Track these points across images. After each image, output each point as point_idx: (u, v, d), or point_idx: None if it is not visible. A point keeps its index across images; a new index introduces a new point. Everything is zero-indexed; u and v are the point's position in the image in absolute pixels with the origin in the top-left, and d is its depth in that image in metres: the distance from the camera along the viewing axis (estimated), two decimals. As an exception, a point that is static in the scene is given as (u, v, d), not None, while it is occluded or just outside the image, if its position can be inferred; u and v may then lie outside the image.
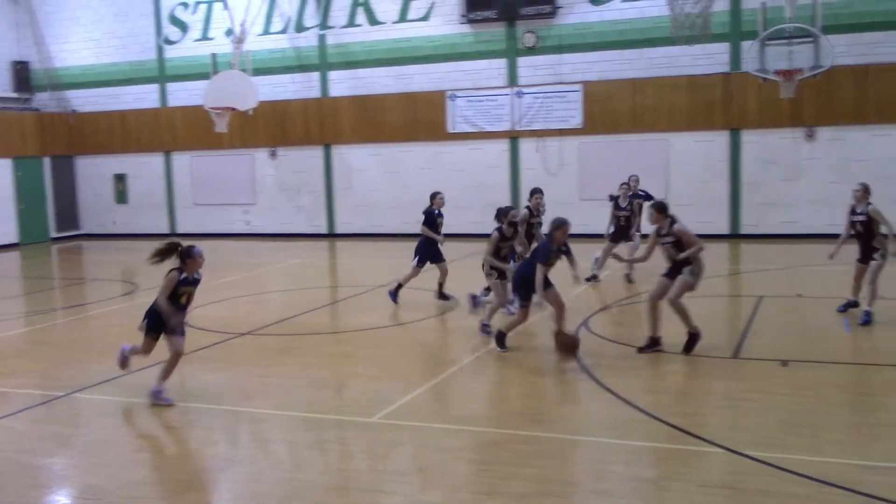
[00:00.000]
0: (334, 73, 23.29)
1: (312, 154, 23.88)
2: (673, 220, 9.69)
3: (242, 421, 7.95)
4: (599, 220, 20.78)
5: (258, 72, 22.80)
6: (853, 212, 11.16)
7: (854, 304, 11.42)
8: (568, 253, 9.97)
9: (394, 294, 13.23)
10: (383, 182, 23.04)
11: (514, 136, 21.70)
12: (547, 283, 9.81)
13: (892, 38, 18.70)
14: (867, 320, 10.78)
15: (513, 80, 21.58)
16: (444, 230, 13.20)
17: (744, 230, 19.93)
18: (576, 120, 21.05)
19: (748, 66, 18.36)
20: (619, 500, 6.05)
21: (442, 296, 13.18)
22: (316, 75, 23.48)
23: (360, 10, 22.81)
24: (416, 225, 13.57)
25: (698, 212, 20.12)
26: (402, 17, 22.37)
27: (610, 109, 20.71)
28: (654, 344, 9.83)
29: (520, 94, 21.46)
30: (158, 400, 8.32)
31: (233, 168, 24.75)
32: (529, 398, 8.69)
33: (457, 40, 21.92)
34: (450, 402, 8.64)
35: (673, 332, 9.83)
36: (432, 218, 13.10)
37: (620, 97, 20.60)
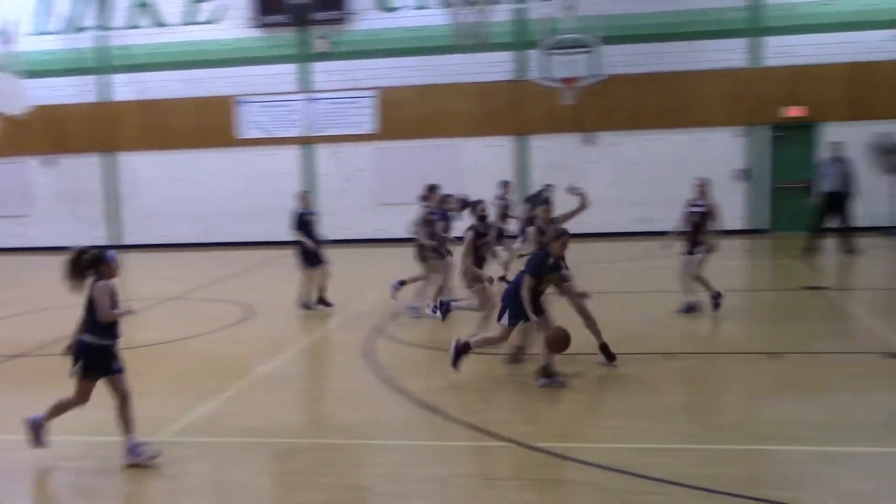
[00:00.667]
0: (117, 76, 22.15)
1: (92, 161, 22.58)
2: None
3: (17, 449, 7.34)
4: (396, 225, 21.12)
5: (32, 74, 21.32)
6: (692, 204, 11.64)
7: (719, 295, 11.57)
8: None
9: (305, 306, 12.85)
10: (171, 190, 22.15)
11: (307, 142, 21.50)
12: (522, 313, 8.44)
13: (664, 49, 20.10)
14: (689, 309, 11.53)
15: (306, 85, 21.39)
16: (241, 237, 12.83)
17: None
18: (370, 126, 21.15)
19: (532, 74, 19.15)
20: (410, 501, 6.10)
21: (322, 301, 12.81)
22: (96, 79, 22.23)
23: (143, 12, 21.82)
24: (209, 234, 13.12)
25: (491, 216, 20.78)
26: (189, 20, 21.63)
27: (404, 115, 20.97)
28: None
29: (312, 100, 21.29)
30: (138, 456, 6.76)
31: (2, 177, 22.95)
32: (326, 405, 8.61)
33: (248, 44, 21.45)
34: (244, 414, 8.39)
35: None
36: (301, 219, 12.74)
37: (413, 103, 20.90)
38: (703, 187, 11.59)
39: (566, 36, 18.64)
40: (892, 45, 16.20)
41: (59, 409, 6.92)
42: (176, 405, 8.36)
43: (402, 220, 21.54)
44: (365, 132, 21.16)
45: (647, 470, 6.38)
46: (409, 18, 20.73)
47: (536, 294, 8.51)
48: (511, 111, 20.73)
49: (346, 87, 21.12)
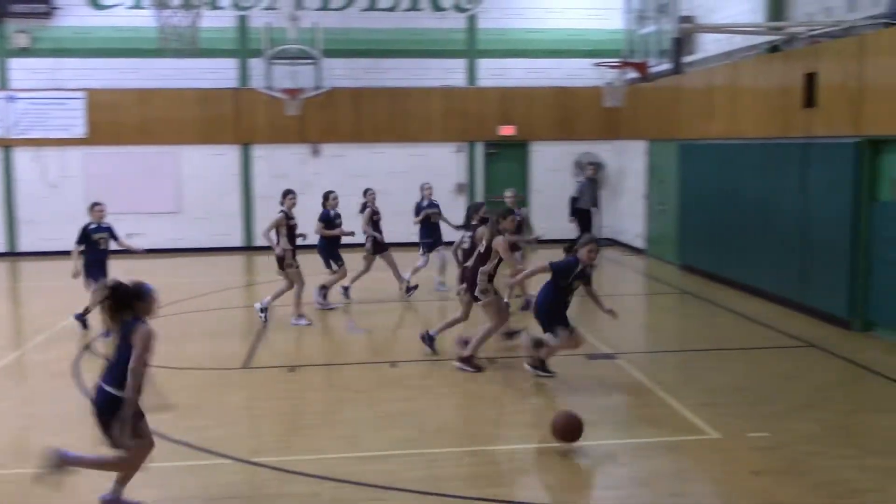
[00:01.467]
0: None
1: None
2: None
3: None
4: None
5: None
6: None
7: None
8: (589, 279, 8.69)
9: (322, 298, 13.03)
10: None
11: (6, 145, 19.68)
12: (564, 319, 8.58)
13: (381, 64, 20.56)
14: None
15: (3, 82, 19.58)
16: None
17: (257, 242, 20.35)
18: (78, 129, 19.74)
19: (256, 83, 18.85)
20: (125, 528, 5.74)
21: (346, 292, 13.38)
22: None
23: None
24: None
25: (214, 225, 20.21)
26: None
27: (116, 120, 19.77)
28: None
29: (12, 99, 19.52)
30: None
31: None
32: (28, 430, 7.88)
33: (-67, 34, 19.26)
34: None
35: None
36: (328, 219, 13.05)
37: (127, 107, 19.79)
38: (514, 198, 12.88)
39: (290, 46, 18.54)
40: (591, 72, 17.66)
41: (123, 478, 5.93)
42: None
43: (116, 229, 20.28)
44: (73, 136, 19.72)
45: (367, 478, 6.46)
46: (124, 18, 19.61)
47: (564, 304, 8.60)
48: (234, 119, 20.25)
49: (51, 87, 19.57)
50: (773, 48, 13.81)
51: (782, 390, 8.72)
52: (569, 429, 6.86)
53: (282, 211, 12.17)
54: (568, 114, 20.97)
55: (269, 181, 20.21)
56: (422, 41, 20.69)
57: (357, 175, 20.40)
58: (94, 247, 11.60)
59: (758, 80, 13.71)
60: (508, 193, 13.42)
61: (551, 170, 20.67)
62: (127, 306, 5.64)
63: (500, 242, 9.15)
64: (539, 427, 7.61)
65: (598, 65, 15.87)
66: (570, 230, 18.17)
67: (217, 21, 19.42)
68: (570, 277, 8.41)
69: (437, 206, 14.39)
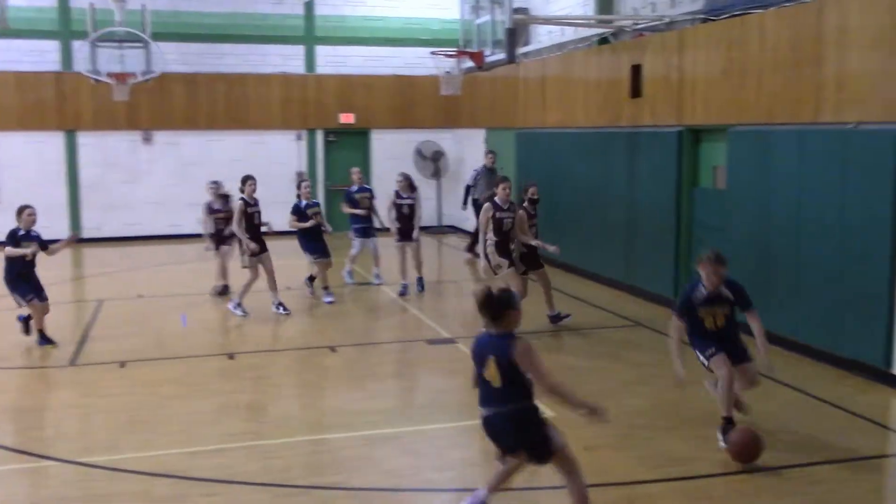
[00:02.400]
0: None
1: None
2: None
3: None
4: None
5: None
6: (399, 196, 12.86)
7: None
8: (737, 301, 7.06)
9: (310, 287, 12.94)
10: None
11: None
12: (715, 345, 6.87)
13: (215, 49, 19.96)
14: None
15: None
16: None
17: (86, 234, 19.37)
18: None
19: (80, 67, 17.89)
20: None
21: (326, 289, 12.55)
22: None
23: None
24: None
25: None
26: None
27: (-76, 103, 18.30)
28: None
29: None
30: None
31: None
32: None
33: None
34: None
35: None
36: (300, 211, 12.46)
37: (-64, 90, 18.35)
38: (406, 183, 13.04)
39: (117, 28, 17.67)
40: (429, 61, 17.81)
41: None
42: None
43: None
44: None
45: (198, 472, 6.28)
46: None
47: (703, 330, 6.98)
48: (58, 105, 19.13)
49: None
50: (603, 40, 14.35)
51: (613, 368, 9.11)
52: (746, 450, 6.39)
53: (241, 198, 11.58)
54: (407, 102, 21.06)
55: (97, 170, 19.26)
56: (259, 27, 20.24)
57: (192, 163, 19.77)
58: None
59: (588, 71, 14.21)
60: (354, 171, 14.03)
61: (392, 158, 20.67)
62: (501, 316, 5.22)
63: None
64: (377, 413, 7.63)
65: (434, 53, 15.97)
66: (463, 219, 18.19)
67: (36, 0, 18.30)
68: (695, 305, 6.99)
69: (369, 190, 13.89)
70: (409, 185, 13.03)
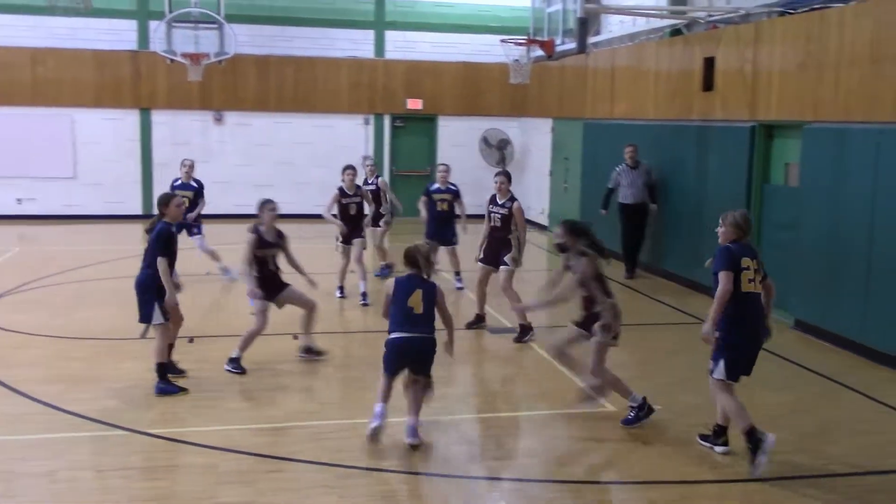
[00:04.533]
0: None
1: None
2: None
3: None
4: (3, 203, 19.07)
5: None
6: (494, 202, 10.15)
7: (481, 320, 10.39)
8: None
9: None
10: None
11: None
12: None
13: (287, 32, 20.19)
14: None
15: None
16: None
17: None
18: (-33, 88, 18.79)
19: (156, 46, 18.26)
20: (18, 500, 5.57)
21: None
22: None
23: None
24: None
25: (109, 191, 19.57)
26: None
27: (6, 79, 18.87)
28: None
29: None
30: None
31: None
32: None
33: None
34: None
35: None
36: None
37: (18, 66, 18.89)
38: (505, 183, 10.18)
39: (192, 10, 17.99)
40: (498, 49, 17.75)
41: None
42: None
43: (5, 195, 19.59)
44: (-40, 95, 18.77)
45: (262, 449, 6.42)
46: (16, -28, 18.72)
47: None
48: (133, 83, 19.58)
49: (-64, 42, 18.57)
50: (675, 32, 14.14)
51: (671, 364, 9.03)
52: None
53: (339, 187, 11.69)
54: (475, 89, 21.04)
55: (169, 148, 19.66)
56: (330, 11, 20.39)
57: (261, 144, 20.10)
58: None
59: (659, 63, 14.02)
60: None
61: (458, 145, 20.70)
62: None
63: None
64: (436, 399, 7.69)
65: (504, 41, 15.93)
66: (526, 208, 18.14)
67: (114, -20, 18.74)
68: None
69: (452, 191, 12.32)
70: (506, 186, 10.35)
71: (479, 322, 10.35)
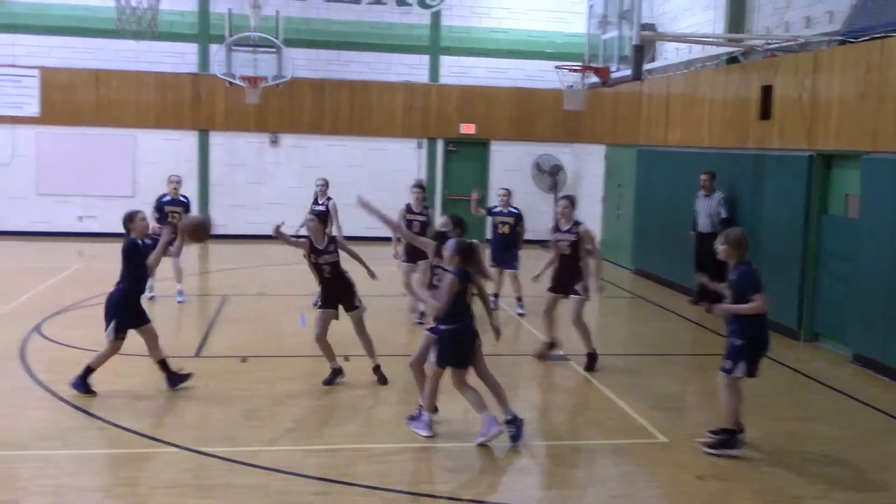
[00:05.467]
0: None
1: None
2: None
3: None
4: (59, 218, 19.56)
5: None
6: (557, 229, 9.81)
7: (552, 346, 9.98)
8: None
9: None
10: None
11: (-45, 121, 19.23)
12: None
13: (343, 56, 20.45)
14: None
15: (-45, 57, 19.12)
16: None
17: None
18: (32, 108, 19.34)
19: (216, 69, 18.63)
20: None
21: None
22: None
23: None
24: None
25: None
26: None
27: (71, 99, 19.42)
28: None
29: (-37, 74, 19.07)
30: None
31: None
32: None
33: None
34: None
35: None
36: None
37: (83, 87, 19.43)
38: (569, 207, 9.81)
39: (251, 34, 18.35)
40: (552, 75, 17.77)
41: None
42: None
43: (67, 212, 20.06)
44: (27, 114, 19.32)
45: (311, 470, 6.45)
46: (82, -4, 19.28)
47: None
48: (193, 105, 20.01)
49: (4, 64, 19.14)
50: (732, 59, 14.03)
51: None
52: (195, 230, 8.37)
53: (407, 204, 11.86)
54: (527, 115, 21.07)
55: (226, 169, 20.00)
56: (385, 35, 20.61)
57: (314, 167, 20.31)
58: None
59: (715, 91, 13.91)
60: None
61: (510, 170, 20.71)
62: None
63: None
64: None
65: (559, 67, 15.93)
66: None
67: (178, 4, 19.14)
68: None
69: (514, 214, 12.42)
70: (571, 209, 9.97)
71: (551, 348, 9.94)
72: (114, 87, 19.54)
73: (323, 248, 8.74)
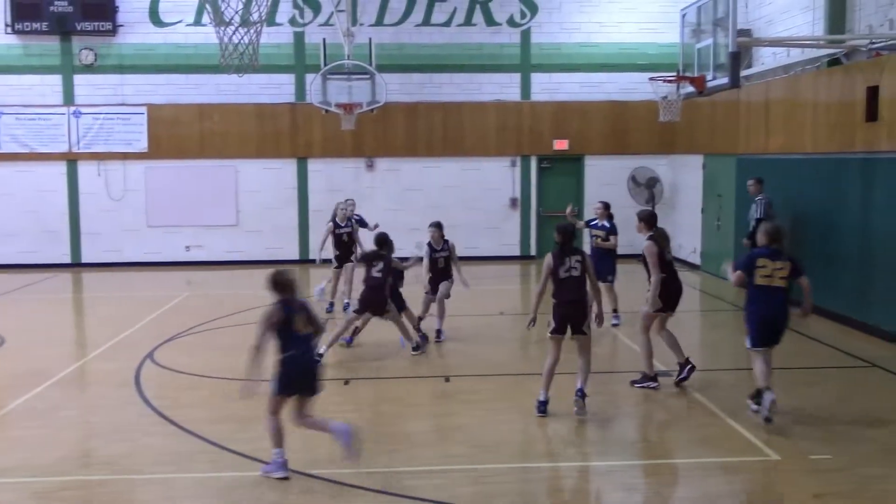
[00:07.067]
0: None
1: None
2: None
3: None
4: (168, 248, 20.34)
5: None
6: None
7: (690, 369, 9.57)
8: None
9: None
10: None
11: (71, 159, 20.21)
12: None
13: (435, 79, 20.68)
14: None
15: (70, 98, 20.12)
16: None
17: (312, 255, 20.53)
18: (141, 143, 20.21)
19: (312, 98, 19.09)
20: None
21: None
22: None
23: None
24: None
25: (269, 238, 20.48)
26: (-65, 22, 19.75)
27: (176, 134, 20.21)
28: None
29: (77, 114, 20.06)
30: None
31: None
32: (85, 440, 8.06)
33: (2, 52, 19.89)
34: (-9, 452, 7.69)
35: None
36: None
37: (187, 122, 20.20)
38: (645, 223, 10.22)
39: (345, 62, 18.74)
40: (645, 86, 17.57)
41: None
42: None
43: (175, 242, 20.84)
44: (136, 150, 20.19)
45: (418, 492, 6.47)
46: (183, 35, 20.02)
47: None
48: (291, 134, 20.54)
49: (114, 103, 20.07)
50: (834, 61, 13.58)
51: (843, 411, 8.53)
52: None
53: (429, 243, 12.49)
54: (622, 128, 20.85)
55: (324, 195, 20.43)
56: (475, 56, 20.74)
57: (411, 189, 20.57)
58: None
59: (817, 94, 13.49)
60: (597, 206, 13.38)
61: (606, 184, 20.48)
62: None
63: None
64: (589, 444, 7.56)
65: (653, 79, 15.72)
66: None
67: (275, 37, 19.69)
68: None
69: (607, 228, 12.86)
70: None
71: (687, 369, 9.45)
72: (216, 120, 20.25)
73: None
